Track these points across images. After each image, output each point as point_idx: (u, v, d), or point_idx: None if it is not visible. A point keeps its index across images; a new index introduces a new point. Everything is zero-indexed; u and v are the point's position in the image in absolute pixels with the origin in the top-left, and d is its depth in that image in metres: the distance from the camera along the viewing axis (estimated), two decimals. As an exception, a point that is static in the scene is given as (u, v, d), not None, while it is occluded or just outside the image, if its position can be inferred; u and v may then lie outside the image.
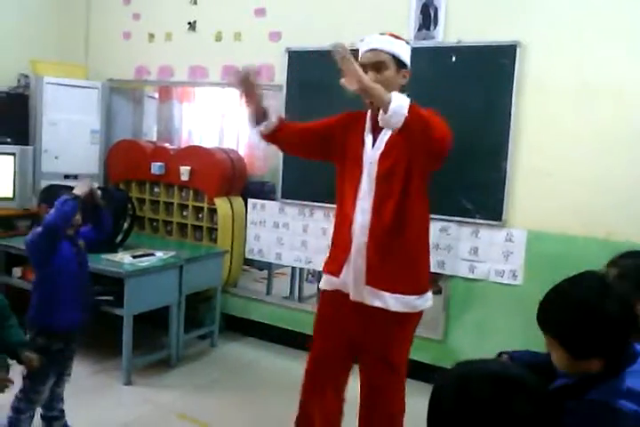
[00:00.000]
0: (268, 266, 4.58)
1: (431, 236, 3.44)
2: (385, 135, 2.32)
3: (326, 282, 2.50)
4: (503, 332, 3.34)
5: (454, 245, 3.46)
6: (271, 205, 4.08)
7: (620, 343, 1.28)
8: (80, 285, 2.57)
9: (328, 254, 2.55)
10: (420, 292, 2.36)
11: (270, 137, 2.47)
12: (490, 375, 1.02)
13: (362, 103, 2.28)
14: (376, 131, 2.34)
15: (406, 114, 1.91)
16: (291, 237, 3.99)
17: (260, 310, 4.22)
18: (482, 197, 3.35)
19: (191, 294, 3.80)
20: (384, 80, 2.21)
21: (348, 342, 2.47)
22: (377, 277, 2.31)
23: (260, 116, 2.44)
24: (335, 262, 2.43)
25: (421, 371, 3.57)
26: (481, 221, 3.37)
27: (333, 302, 2.47)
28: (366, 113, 2.41)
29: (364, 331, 2.40)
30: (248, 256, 4.24)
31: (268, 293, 4.48)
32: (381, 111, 1.96)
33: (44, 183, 4.38)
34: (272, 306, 4.18)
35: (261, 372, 3.71)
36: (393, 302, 2.30)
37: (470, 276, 3.44)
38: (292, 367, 3.59)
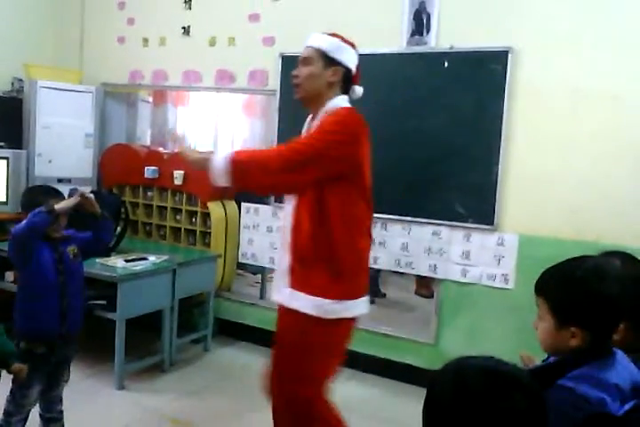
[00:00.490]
0: (261, 270, 4.58)
1: (424, 239, 3.51)
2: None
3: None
4: (495, 335, 3.35)
5: (446, 249, 3.47)
6: (264, 209, 4.09)
7: (605, 322, 1.31)
8: (60, 292, 2.49)
9: None
10: (338, 296, 2.20)
11: None
12: (486, 370, 1.04)
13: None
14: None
15: (228, 175, 2.05)
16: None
17: (253, 315, 4.22)
18: (474, 201, 3.37)
19: (184, 298, 3.80)
20: (307, 74, 2.22)
21: None
22: (296, 279, 2.24)
23: None
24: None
25: (413, 375, 3.59)
26: (473, 226, 3.39)
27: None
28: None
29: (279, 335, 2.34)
30: (241, 260, 4.25)
31: (262, 297, 4.48)
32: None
33: (37, 187, 4.39)
34: (265, 310, 4.17)
35: (255, 376, 3.66)
36: (305, 303, 2.19)
37: (462, 280, 3.45)
38: (284, 371, 3.59)
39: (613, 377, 1.26)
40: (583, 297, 1.30)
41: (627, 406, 1.23)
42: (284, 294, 2.27)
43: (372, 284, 5.08)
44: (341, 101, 2.28)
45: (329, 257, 2.21)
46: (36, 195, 2.55)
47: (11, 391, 2.48)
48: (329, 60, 2.24)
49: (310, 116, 2.37)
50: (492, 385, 1.00)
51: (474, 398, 0.99)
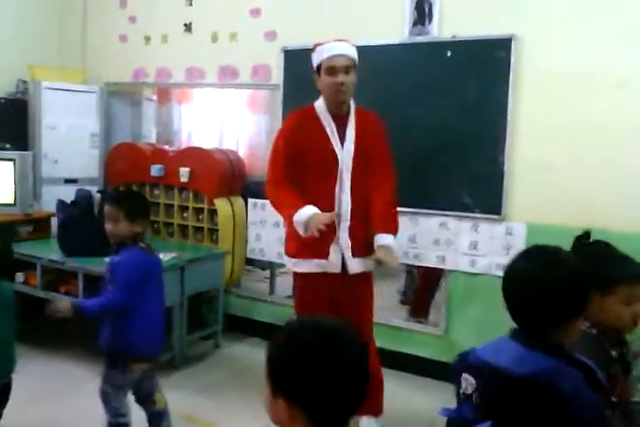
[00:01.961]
0: (270, 265, 4.58)
1: (431, 230, 3.50)
2: (351, 132, 2.70)
3: (313, 265, 2.79)
4: (504, 325, 3.30)
5: (454, 239, 3.45)
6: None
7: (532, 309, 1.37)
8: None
9: (302, 243, 2.74)
10: None
11: None
12: (316, 326, 1.14)
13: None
14: (337, 125, 2.71)
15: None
16: (291, 235, 3.98)
17: (263, 310, 4.22)
18: (481, 191, 3.35)
19: (194, 294, 3.81)
20: (352, 81, 2.66)
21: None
22: (359, 250, 2.74)
23: None
24: (320, 247, 2.74)
25: (424, 366, 3.58)
26: (480, 216, 3.37)
27: (318, 283, 2.80)
28: (312, 108, 2.73)
29: (349, 295, 2.80)
30: (249, 256, 4.25)
31: (271, 292, 4.48)
32: None
33: (44, 188, 4.41)
34: (275, 305, 4.18)
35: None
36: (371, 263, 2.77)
37: (471, 270, 3.43)
38: (295, 366, 3.59)
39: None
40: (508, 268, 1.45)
41: None
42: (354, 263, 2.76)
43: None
44: None
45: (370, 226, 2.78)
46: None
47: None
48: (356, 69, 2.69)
49: (325, 111, 2.71)
50: (320, 339, 1.09)
51: (305, 351, 1.07)
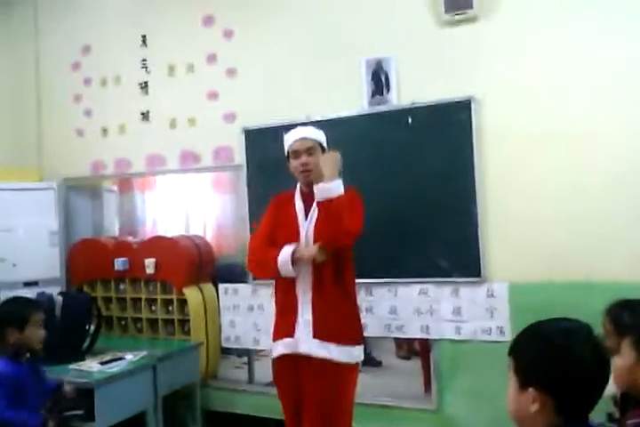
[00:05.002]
0: (247, 352, 4.32)
1: (411, 299, 3.35)
2: (315, 210, 2.69)
3: (282, 346, 2.72)
4: (499, 392, 3.09)
5: (436, 307, 3.31)
6: (243, 288, 3.91)
7: (568, 385, 1.18)
8: None
9: (275, 324, 2.79)
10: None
11: None
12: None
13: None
14: (306, 204, 2.75)
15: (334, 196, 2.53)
16: (267, 319, 3.77)
17: (243, 402, 3.93)
18: (457, 254, 3.24)
19: (168, 394, 3.53)
20: (315, 161, 2.70)
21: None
22: (323, 330, 2.61)
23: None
24: (287, 326, 2.70)
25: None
26: (460, 280, 3.25)
27: (285, 367, 2.73)
28: (293, 191, 2.83)
29: (309, 384, 2.62)
30: (225, 345, 4.00)
31: (250, 380, 4.20)
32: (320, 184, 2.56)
33: (2, 293, 4.15)
34: (255, 395, 3.90)
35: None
36: (337, 352, 2.59)
37: (457, 337, 3.26)
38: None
39: None
40: (546, 353, 1.21)
41: None
42: (312, 344, 2.62)
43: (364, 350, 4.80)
44: None
45: (348, 309, 2.75)
46: (17, 307, 2.66)
47: None
48: (323, 148, 2.79)
49: (298, 191, 2.82)
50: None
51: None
